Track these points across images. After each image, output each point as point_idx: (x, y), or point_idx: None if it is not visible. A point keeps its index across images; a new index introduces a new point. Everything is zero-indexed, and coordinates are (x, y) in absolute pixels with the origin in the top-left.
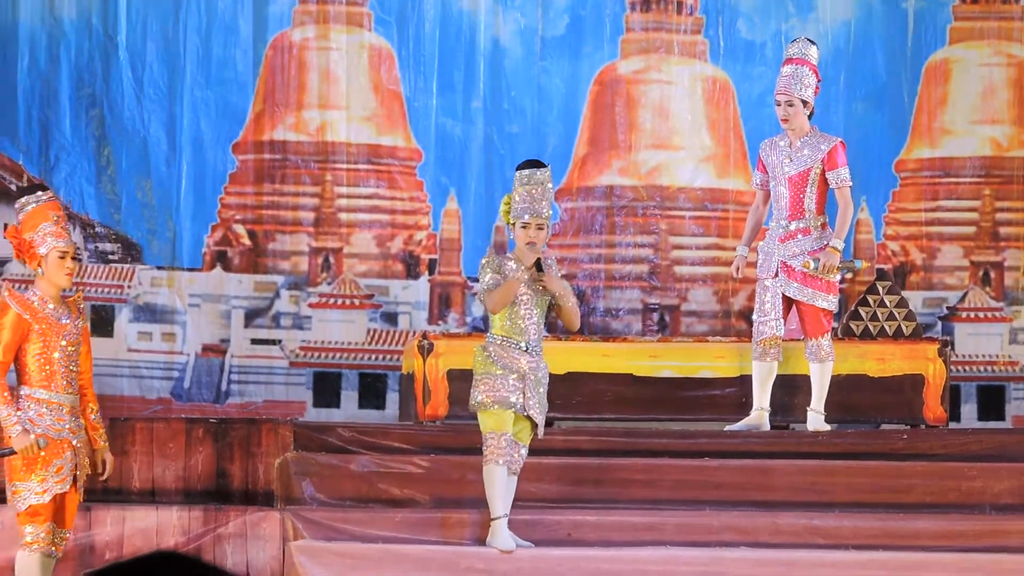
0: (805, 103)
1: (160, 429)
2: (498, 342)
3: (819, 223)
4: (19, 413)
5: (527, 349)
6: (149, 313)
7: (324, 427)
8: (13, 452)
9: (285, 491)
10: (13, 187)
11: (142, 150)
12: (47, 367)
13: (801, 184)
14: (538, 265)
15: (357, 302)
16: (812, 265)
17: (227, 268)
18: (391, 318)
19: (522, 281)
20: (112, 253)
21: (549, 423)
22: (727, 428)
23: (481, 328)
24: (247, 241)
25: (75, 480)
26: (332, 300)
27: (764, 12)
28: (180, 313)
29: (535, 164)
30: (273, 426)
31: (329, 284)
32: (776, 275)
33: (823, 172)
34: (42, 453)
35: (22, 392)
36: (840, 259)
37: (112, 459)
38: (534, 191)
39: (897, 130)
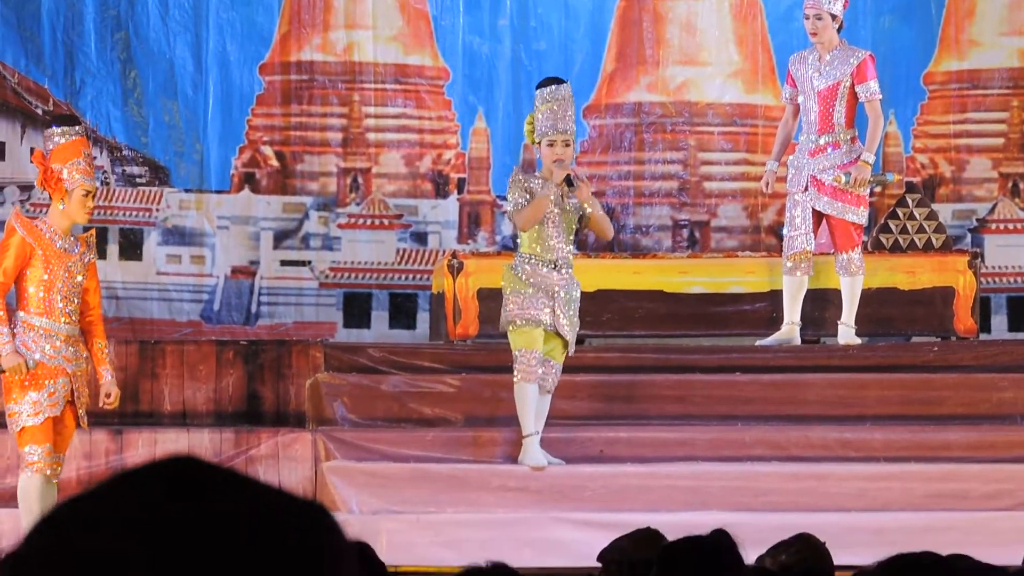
0: (834, 17)
1: (191, 352)
2: (527, 261)
3: (849, 137)
4: (14, 335)
5: (557, 267)
6: (178, 236)
7: (355, 348)
8: (2, 371)
9: (316, 412)
10: (39, 111)
11: (168, 72)
12: (47, 295)
13: (830, 98)
14: (568, 181)
15: (386, 222)
16: (844, 179)
17: (255, 190)
18: (420, 238)
19: (550, 198)
20: (140, 176)
21: (580, 341)
22: (757, 343)
23: (511, 247)
24: (275, 163)
25: (72, 408)
26: (361, 220)
27: None
28: (209, 235)
29: (556, 81)
30: (304, 347)
31: (358, 204)
32: (806, 189)
33: (852, 86)
34: (28, 372)
35: (19, 317)
36: (871, 173)
37: (118, 392)
38: (557, 108)
39: (925, 43)
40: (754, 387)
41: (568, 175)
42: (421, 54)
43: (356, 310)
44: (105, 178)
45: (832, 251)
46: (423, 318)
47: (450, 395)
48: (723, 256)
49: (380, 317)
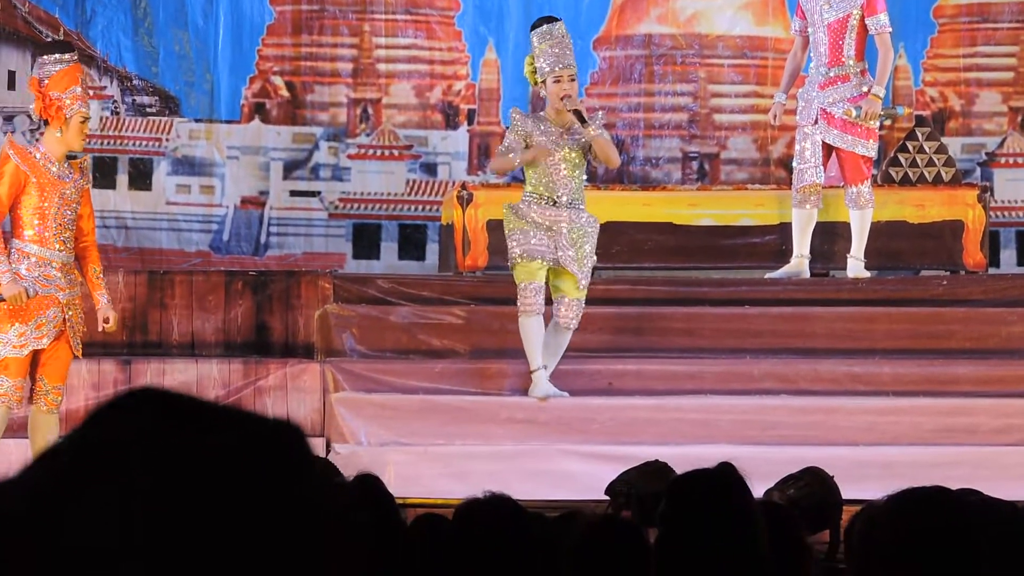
0: None
1: (199, 282)
2: (530, 199)
3: (858, 70)
4: (9, 263)
5: (564, 203)
6: (187, 166)
7: (363, 279)
8: (1, 300)
9: (325, 343)
10: (50, 40)
11: (179, 2)
12: (41, 222)
13: (840, 30)
14: (580, 117)
15: (396, 153)
16: (854, 112)
17: (265, 120)
18: (430, 168)
19: (538, 154)
20: (150, 106)
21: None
22: (767, 276)
23: (520, 179)
24: (285, 93)
25: (65, 337)
26: (371, 151)
27: None
28: (219, 165)
29: (549, 19)
30: (312, 278)
31: (368, 135)
32: (816, 122)
33: (862, 18)
34: (28, 300)
35: (13, 244)
36: (882, 106)
37: (116, 315)
38: (556, 45)
39: None
40: (763, 320)
41: (578, 110)
42: None
43: (365, 241)
44: (115, 108)
45: (841, 184)
46: (432, 249)
47: (459, 327)
48: (732, 188)
49: (389, 248)
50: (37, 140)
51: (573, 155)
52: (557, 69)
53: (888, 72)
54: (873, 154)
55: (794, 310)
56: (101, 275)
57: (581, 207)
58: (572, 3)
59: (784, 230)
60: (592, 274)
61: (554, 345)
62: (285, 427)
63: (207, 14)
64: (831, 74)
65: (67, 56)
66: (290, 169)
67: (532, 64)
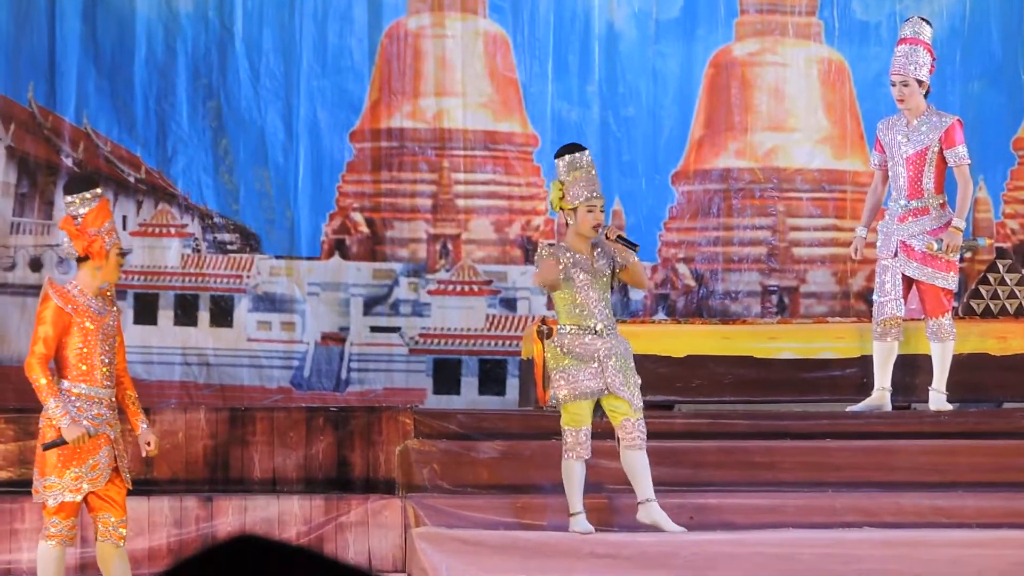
0: (920, 83)
1: (280, 418)
2: (568, 332)
3: (938, 202)
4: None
5: (599, 331)
6: (268, 302)
7: (444, 414)
8: (64, 443)
9: (406, 478)
10: (131, 179)
11: (259, 140)
12: (87, 361)
13: (919, 163)
14: (625, 242)
15: (476, 288)
16: (935, 246)
17: (345, 256)
18: (510, 303)
19: (563, 267)
20: (231, 243)
21: (669, 407)
22: (848, 409)
23: None
24: (365, 229)
25: (117, 472)
26: (451, 287)
27: None
28: (299, 302)
29: (578, 147)
30: (393, 414)
31: (448, 271)
32: (896, 255)
33: (941, 151)
34: (90, 439)
35: (62, 386)
36: (962, 238)
37: (156, 439)
38: (588, 174)
39: (1014, 108)
40: (845, 453)
41: (620, 236)
42: (510, 121)
43: (446, 376)
44: (196, 245)
45: (922, 317)
46: (512, 384)
47: (539, 461)
48: (812, 321)
49: (470, 383)
50: (124, 276)
51: (603, 281)
52: (591, 198)
53: (968, 204)
54: (953, 286)
55: (876, 443)
56: (137, 400)
57: (615, 332)
58: (650, 137)
59: (865, 363)
60: (671, 407)
61: (637, 470)
62: None
63: (287, 151)
64: (911, 207)
65: (97, 192)
66: (370, 305)
67: (560, 190)
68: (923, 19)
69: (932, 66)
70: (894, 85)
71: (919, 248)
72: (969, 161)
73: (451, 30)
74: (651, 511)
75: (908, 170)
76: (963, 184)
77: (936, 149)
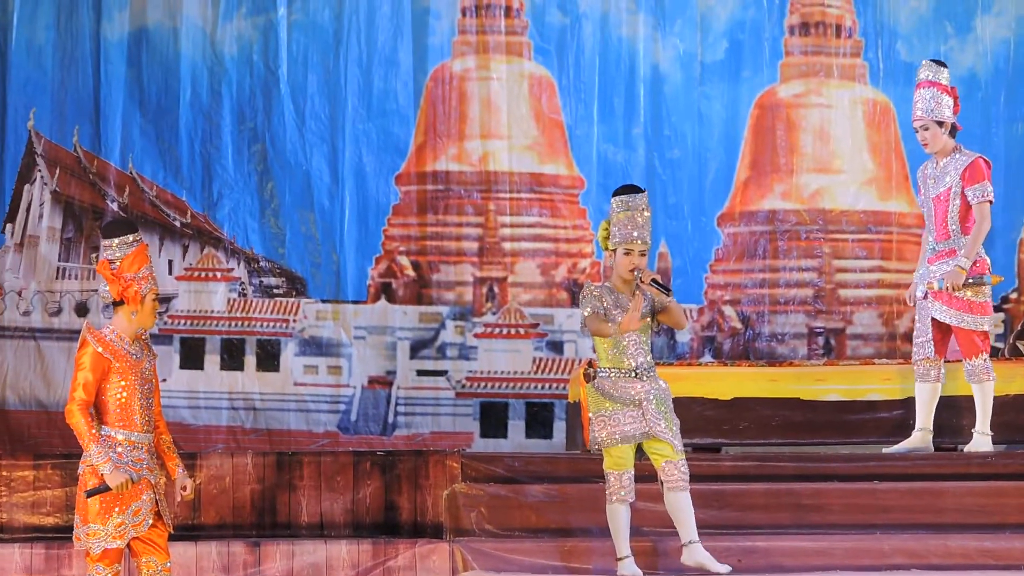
0: (941, 124)
1: (328, 463)
2: (608, 375)
3: (965, 243)
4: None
5: (639, 375)
6: (315, 346)
7: (492, 457)
8: (108, 489)
9: (454, 522)
10: (177, 223)
11: (305, 183)
12: (126, 406)
13: (944, 203)
14: (660, 286)
15: (522, 331)
16: (936, 285)
17: (392, 300)
18: (556, 346)
19: (618, 331)
20: (277, 287)
21: (716, 449)
22: (885, 450)
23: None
24: (411, 272)
25: (159, 515)
26: (497, 330)
27: (923, 34)
28: (346, 346)
29: (634, 189)
30: (441, 458)
31: (494, 314)
32: (926, 296)
33: (963, 189)
34: (133, 485)
35: (102, 432)
36: (966, 277)
37: (192, 483)
38: (635, 216)
39: None
40: (892, 495)
41: (655, 279)
42: (556, 163)
43: (493, 420)
44: (242, 289)
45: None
46: (559, 427)
47: (587, 505)
48: (859, 363)
49: (517, 426)
50: (170, 320)
51: (643, 324)
52: (628, 241)
53: (979, 242)
54: (984, 327)
55: (924, 485)
56: (172, 444)
57: (654, 374)
58: (696, 180)
59: (911, 404)
60: (718, 450)
61: (682, 512)
62: None
63: (333, 195)
64: (939, 248)
65: (135, 237)
66: (417, 348)
67: (606, 229)
68: (936, 61)
69: (956, 105)
70: (917, 131)
71: (935, 288)
72: (991, 199)
73: (496, 72)
74: (695, 553)
75: (936, 211)
76: (979, 220)
77: (958, 188)
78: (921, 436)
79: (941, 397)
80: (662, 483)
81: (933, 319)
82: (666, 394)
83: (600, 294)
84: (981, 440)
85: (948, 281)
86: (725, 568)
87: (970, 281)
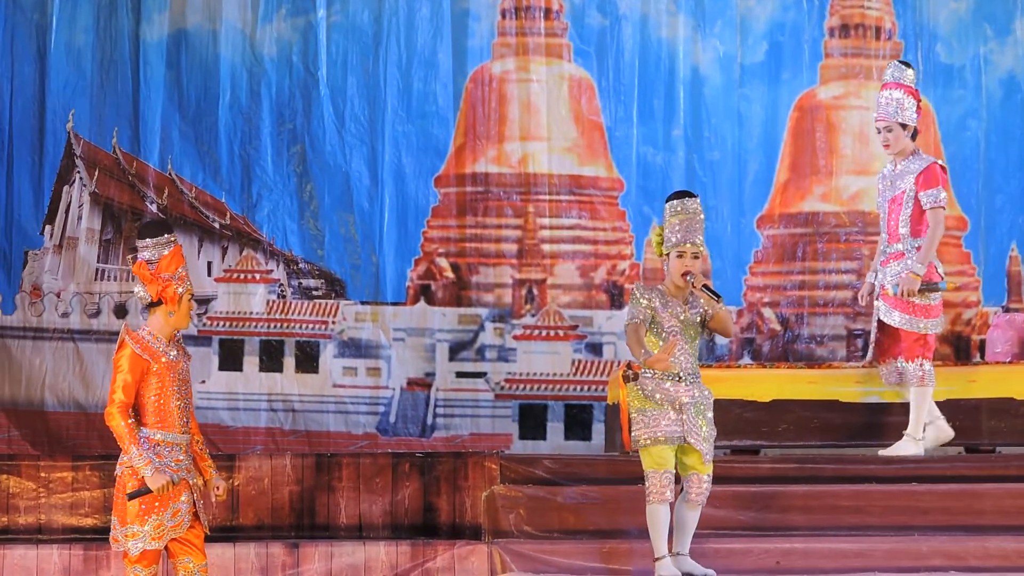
0: (905, 127)
1: (366, 464)
2: (652, 376)
3: (915, 247)
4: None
5: (683, 379)
6: (354, 348)
7: (531, 459)
8: (149, 491)
9: (493, 524)
10: (216, 225)
11: (344, 185)
12: (164, 407)
13: (899, 206)
14: (710, 292)
15: (562, 333)
16: (891, 291)
17: (431, 301)
18: (595, 348)
19: (667, 353)
20: (316, 289)
21: (755, 451)
22: (880, 453)
23: None
24: (450, 274)
25: (196, 516)
26: (537, 332)
27: (962, 36)
28: (385, 347)
29: (687, 194)
30: (479, 459)
31: (533, 316)
32: (877, 298)
33: (917, 194)
34: (174, 487)
35: (141, 433)
36: (920, 283)
37: (225, 484)
38: (687, 220)
39: None
40: (931, 497)
41: (706, 285)
42: (595, 165)
43: (532, 421)
44: (281, 291)
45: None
46: (598, 429)
47: (626, 506)
48: None
49: (556, 428)
50: (208, 322)
51: (691, 329)
52: (681, 244)
53: (932, 248)
54: (927, 330)
55: (962, 487)
56: (205, 446)
57: (698, 380)
58: (735, 181)
59: (950, 406)
60: (757, 452)
61: (688, 525)
62: None
63: (372, 197)
64: (889, 251)
65: (170, 237)
66: (456, 350)
67: (660, 234)
68: (902, 62)
69: (918, 108)
70: (879, 132)
71: (891, 292)
72: (943, 205)
73: (536, 74)
74: (683, 563)
75: (890, 213)
76: (932, 226)
77: (912, 192)
78: (936, 427)
79: (968, 400)
80: (682, 490)
81: (878, 320)
82: (708, 402)
83: (650, 296)
84: (909, 443)
85: (903, 287)
86: (710, 572)
87: (923, 287)
